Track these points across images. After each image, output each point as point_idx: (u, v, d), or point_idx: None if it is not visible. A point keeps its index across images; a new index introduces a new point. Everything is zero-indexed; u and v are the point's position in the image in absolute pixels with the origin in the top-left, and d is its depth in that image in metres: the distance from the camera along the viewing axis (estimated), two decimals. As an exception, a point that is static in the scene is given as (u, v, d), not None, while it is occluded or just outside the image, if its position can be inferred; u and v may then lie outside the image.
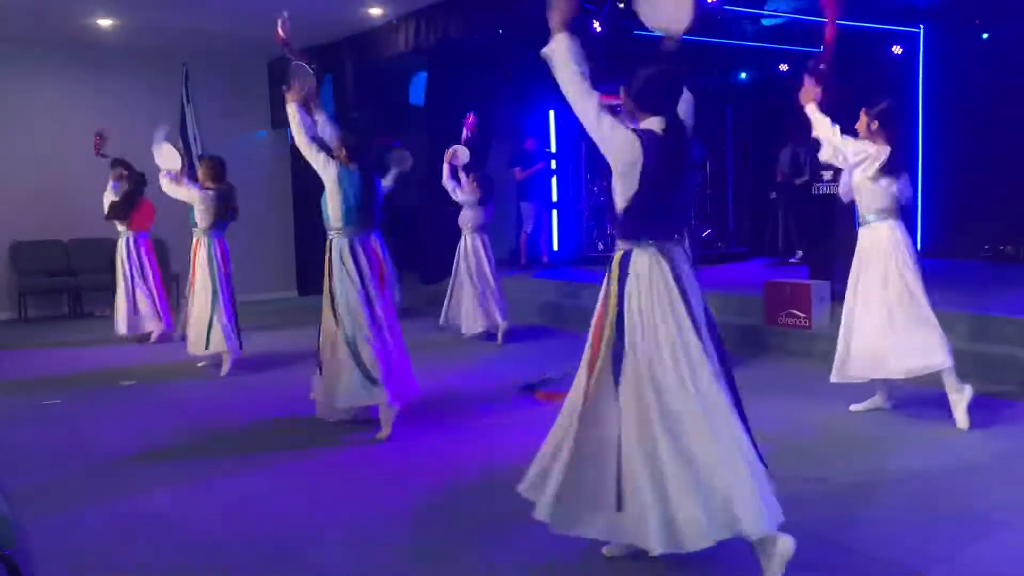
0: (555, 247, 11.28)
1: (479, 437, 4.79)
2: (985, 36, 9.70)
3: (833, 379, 4.92)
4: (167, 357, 7.44)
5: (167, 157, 7.05)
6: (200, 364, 6.94)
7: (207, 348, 6.61)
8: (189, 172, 7.25)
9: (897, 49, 10.49)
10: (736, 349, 6.68)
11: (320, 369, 4.89)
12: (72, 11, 8.80)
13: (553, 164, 11.14)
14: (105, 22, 9.24)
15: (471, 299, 7.75)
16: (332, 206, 4.78)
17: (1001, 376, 5.44)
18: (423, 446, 4.64)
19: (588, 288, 8.63)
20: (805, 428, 4.74)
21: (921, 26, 10.45)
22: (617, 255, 3.00)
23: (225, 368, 6.67)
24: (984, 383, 5.10)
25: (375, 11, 9.13)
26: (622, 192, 2.91)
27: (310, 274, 10.91)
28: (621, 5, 8.48)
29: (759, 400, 5.19)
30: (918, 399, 5.07)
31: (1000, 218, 9.32)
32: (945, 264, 8.92)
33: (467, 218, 7.82)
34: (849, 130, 4.78)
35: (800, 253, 9.69)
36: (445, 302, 8.00)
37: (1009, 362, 5.52)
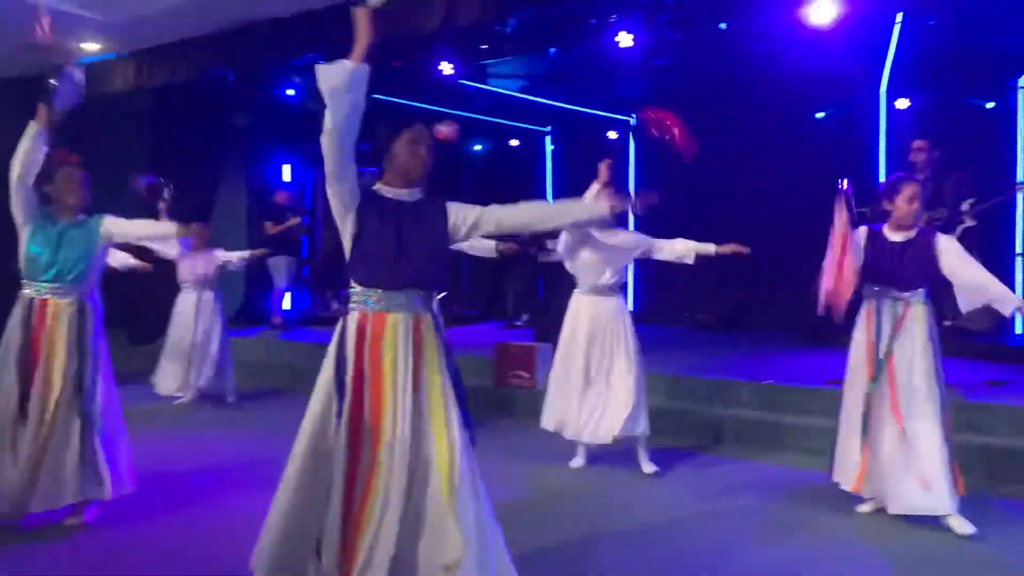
0: (287, 306, 10.90)
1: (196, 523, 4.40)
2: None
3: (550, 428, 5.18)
4: None
5: None
6: None
7: None
8: None
9: (612, 134, 11.57)
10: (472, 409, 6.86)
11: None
12: None
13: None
14: None
15: (186, 360, 7.23)
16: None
17: (691, 431, 6.01)
18: (130, 536, 4.14)
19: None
20: (523, 484, 4.90)
21: (633, 115, 11.58)
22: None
23: None
24: (679, 437, 5.66)
25: (92, 46, 8.44)
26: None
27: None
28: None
29: (494, 459, 5.32)
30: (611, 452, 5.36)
31: (696, 287, 10.37)
32: (649, 329, 9.77)
33: (188, 271, 7.34)
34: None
35: (525, 316, 10.16)
36: (160, 364, 7.40)
37: (700, 417, 6.10)
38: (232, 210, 10.45)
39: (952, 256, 4.14)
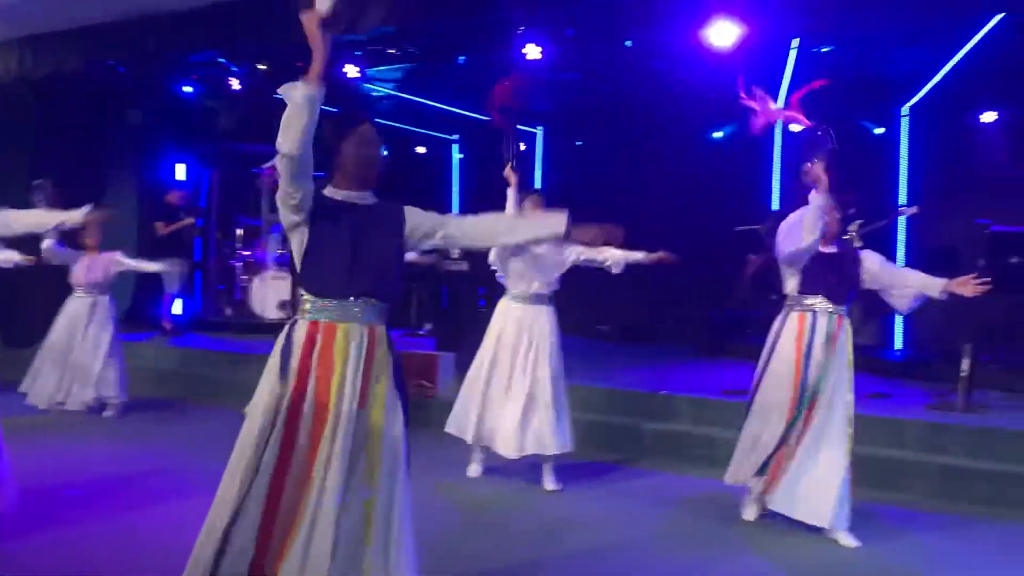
0: (178, 311, 10.48)
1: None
2: (579, 143, 11.13)
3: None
4: None
5: None
6: None
7: None
8: None
9: (521, 145, 11.62)
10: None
11: None
12: None
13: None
14: None
15: (63, 367, 6.75)
16: None
17: (587, 441, 6.04)
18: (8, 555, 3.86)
19: (236, 359, 8.13)
20: (424, 493, 4.83)
21: (540, 127, 11.68)
22: None
23: None
24: (584, 450, 5.63)
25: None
26: None
27: None
28: (262, 67, 8.35)
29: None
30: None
31: (599, 300, 10.50)
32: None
33: (82, 274, 6.87)
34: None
35: (428, 325, 10.07)
36: (34, 370, 6.85)
37: (596, 428, 6.16)
38: (122, 209, 9.98)
39: (876, 262, 4.33)
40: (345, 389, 2.68)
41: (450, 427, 5.17)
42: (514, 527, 4.34)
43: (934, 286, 4.22)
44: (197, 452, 5.72)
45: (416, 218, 2.89)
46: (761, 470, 4.25)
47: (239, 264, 10.69)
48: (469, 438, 5.08)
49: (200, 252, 10.77)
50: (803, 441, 4.16)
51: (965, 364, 5.80)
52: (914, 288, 4.27)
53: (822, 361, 4.18)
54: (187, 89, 9.11)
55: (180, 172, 10.57)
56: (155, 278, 8.99)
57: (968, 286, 4.08)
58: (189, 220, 9.54)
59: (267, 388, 2.71)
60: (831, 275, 4.25)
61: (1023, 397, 6.16)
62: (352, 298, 2.74)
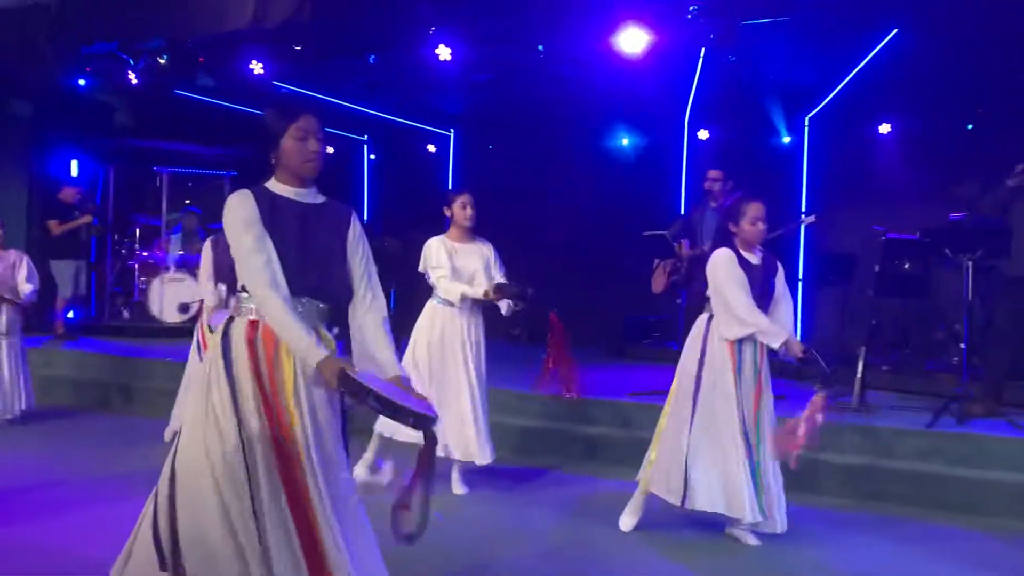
0: (71, 314, 9.98)
1: None
2: (491, 146, 11.13)
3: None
4: None
5: None
6: None
7: None
8: None
9: (431, 147, 11.55)
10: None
11: None
12: None
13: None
14: None
15: None
16: None
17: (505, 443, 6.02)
18: None
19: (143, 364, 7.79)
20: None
21: (452, 129, 11.61)
22: None
23: None
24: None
25: None
26: None
27: None
28: (162, 61, 8.04)
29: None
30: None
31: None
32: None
33: None
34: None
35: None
36: None
37: (502, 429, 6.14)
38: (11, 206, 9.46)
39: (781, 280, 4.21)
40: (301, 394, 2.60)
41: (381, 428, 4.90)
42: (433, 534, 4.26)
43: (777, 337, 4.03)
44: (95, 461, 5.51)
45: (357, 240, 2.77)
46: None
47: (137, 265, 10.27)
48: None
49: (95, 253, 10.29)
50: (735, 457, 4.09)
51: (859, 366, 6.00)
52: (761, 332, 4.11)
53: (751, 378, 4.15)
54: (81, 82, 8.69)
55: (74, 168, 10.08)
56: (47, 281, 8.53)
57: (797, 349, 4.00)
58: (86, 219, 9.08)
59: (214, 395, 2.57)
60: (754, 288, 4.09)
61: (913, 398, 6.40)
62: (298, 296, 2.62)
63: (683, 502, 4.10)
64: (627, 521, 4.41)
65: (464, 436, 4.82)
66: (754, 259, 4.17)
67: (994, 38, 6.76)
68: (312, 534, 2.53)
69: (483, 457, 4.85)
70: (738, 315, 4.05)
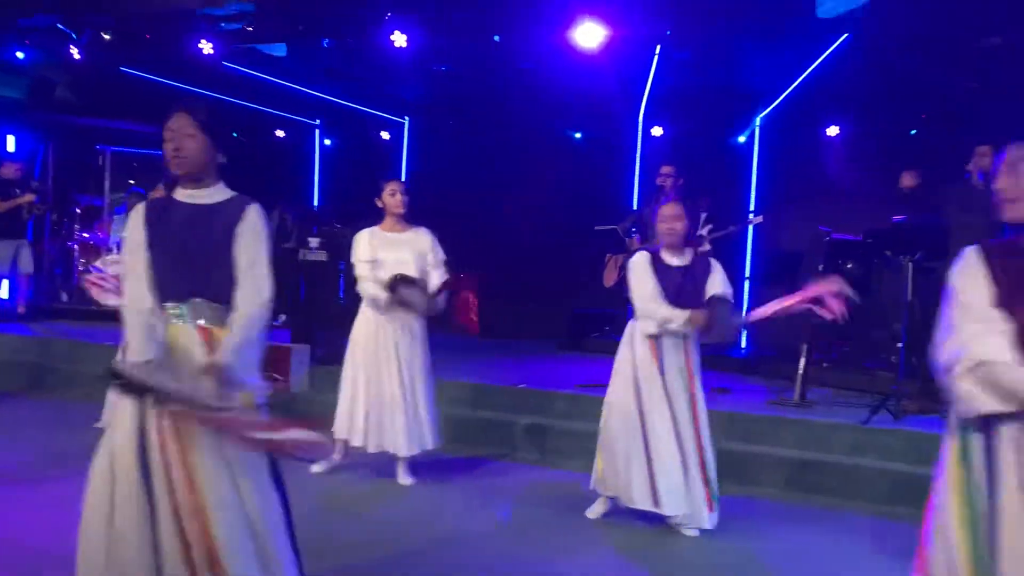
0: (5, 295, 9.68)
1: None
2: (445, 134, 11.03)
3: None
4: None
5: None
6: None
7: None
8: None
9: (385, 135, 11.45)
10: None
11: None
12: None
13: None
14: None
15: None
16: None
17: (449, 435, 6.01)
18: None
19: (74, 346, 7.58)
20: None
21: (407, 117, 11.52)
22: None
23: None
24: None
25: None
26: None
27: None
28: (107, 37, 7.82)
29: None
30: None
31: (462, 294, 10.48)
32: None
33: None
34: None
35: (283, 317, 9.73)
36: None
37: (459, 423, 6.12)
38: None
39: (718, 282, 4.21)
40: None
41: (340, 431, 4.89)
42: (375, 521, 4.24)
43: (678, 318, 4.09)
44: (25, 444, 5.39)
45: (246, 232, 2.68)
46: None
47: (77, 246, 9.99)
48: (353, 440, 4.89)
49: (32, 232, 9.99)
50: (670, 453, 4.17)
51: (801, 363, 6.12)
52: None
53: (676, 375, 4.20)
54: (20, 55, 8.41)
55: (11, 144, 9.77)
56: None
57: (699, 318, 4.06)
58: (28, 197, 8.75)
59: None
60: (680, 292, 4.16)
61: (852, 394, 6.54)
62: (184, 300, 2.63)
63: (620, 499, 4.25)
64: (596, 509, 4.50)
65: (384, 427, 4.80)
66: (677, 260, 4.22)
67: (940, 46, 6.93)
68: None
69: (408, 449, 4.83)
70: (640, 310, 4.19)
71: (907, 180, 6.30)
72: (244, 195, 2.77)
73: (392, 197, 4.91)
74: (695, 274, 4.21)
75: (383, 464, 5.05)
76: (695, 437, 4.22)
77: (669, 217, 4.18)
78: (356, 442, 4.88)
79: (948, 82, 7.67)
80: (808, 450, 5.48)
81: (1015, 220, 2.15)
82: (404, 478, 4.97)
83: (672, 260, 4.22)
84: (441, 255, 5.03)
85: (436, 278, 4.92)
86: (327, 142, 12.17)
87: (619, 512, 4.44)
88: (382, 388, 4.84)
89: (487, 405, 6.37)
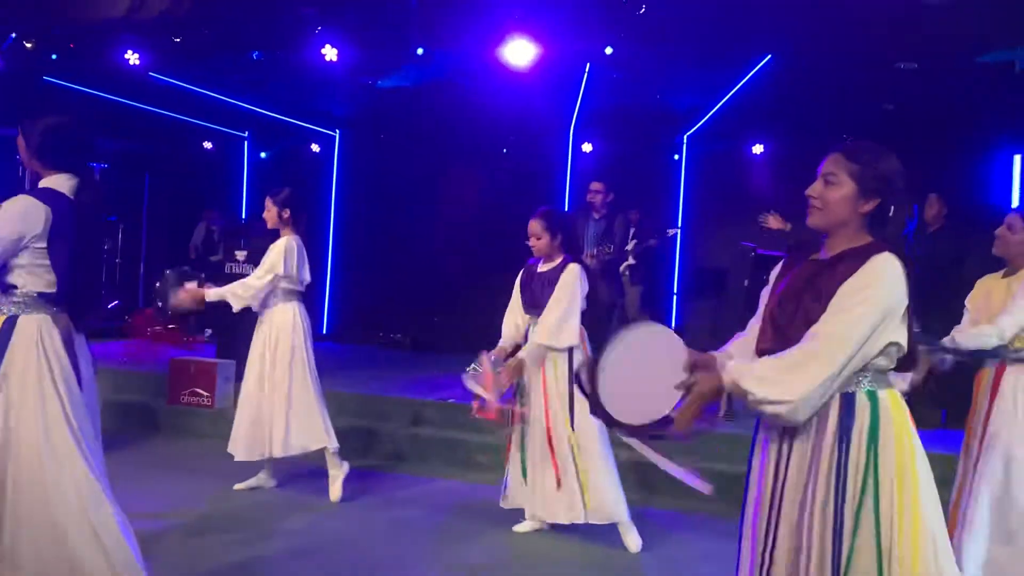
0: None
1: None
2: (375, 149, 10.95)
3: (235, 455, 4.86)
4: None
5: None
6: None
7: None
8: None
9: (315, 147, 11.34)
10: (130, 428, 6.34)
11: None
12: None
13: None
14: None
15: None
16: None
17: (377, 450, 6.01)
18: None
19: None
20: (195, 506, 4.59)
21: (337, 131, 11.43)
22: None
23: None
24: (363, 457, 5.66)
25: None
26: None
27: None
28: (29, 45, 7.60)
29: (148, 478, 4.87)
30: (298, 474, 5.26)
31: (395, 309, 10.41)
32: (345, 348, 9.69)
33: None
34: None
35: (209, 331, 9.53)
36: None
37: (386, 436, 6.11)
38: None
39: (558, 289, 4.30)
40: (44, 382, 2.79)
41: (239, 453, 4.85)
42: (289, 532, 4.18)
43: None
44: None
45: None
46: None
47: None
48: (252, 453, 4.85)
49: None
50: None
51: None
52: None
53: (554, 386, 4.32)
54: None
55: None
56: None
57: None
58: None
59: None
60: (526, 294, 4.44)
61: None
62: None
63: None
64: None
65: (255, 435, 4.79)
66: (544, 267, 4.44)
67: (861, 68, 7.20)
68: None
69: (284, 449, 4.79)
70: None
71: (773, 223, 6.48)
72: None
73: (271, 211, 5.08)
74: (550, 278, 4.37)
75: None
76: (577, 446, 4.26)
77: (530, 234, 4.47)
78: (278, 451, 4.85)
79: (866, 104, 7.96)
80: (736, 463, 5.54)
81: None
82: (337, 494, 4.90)
83: (541, 267, 4.48)
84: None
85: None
86: (263, 155, 11.98)
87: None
88: (282, 383, 4.84)
89: (389, 416, 6.39)
